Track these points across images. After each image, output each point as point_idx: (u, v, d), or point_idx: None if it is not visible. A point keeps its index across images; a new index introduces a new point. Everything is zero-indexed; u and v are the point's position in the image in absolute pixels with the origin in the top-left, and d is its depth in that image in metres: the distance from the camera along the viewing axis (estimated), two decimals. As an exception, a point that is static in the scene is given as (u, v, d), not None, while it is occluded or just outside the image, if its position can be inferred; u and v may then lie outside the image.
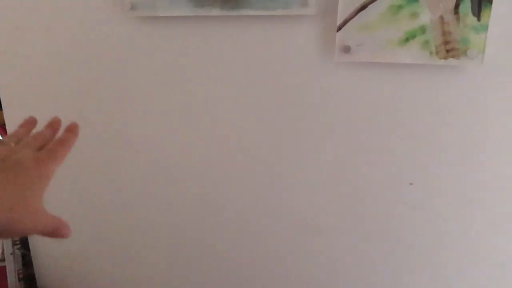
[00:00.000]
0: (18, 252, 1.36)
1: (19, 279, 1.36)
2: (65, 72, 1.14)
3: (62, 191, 1.24)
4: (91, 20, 1.06)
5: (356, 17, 0.88)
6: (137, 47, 1.06)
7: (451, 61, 0.85)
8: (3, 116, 1.29)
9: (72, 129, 0.49)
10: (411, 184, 0.96)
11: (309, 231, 1.08)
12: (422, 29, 0.85)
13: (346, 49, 0.90)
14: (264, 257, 1.16)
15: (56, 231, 0.42)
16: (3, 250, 1.34)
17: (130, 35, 1.05)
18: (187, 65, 1.03)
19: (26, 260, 1.40)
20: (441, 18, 0.84)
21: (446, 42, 0.84)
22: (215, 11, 0.94)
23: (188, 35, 1.01)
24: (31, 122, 0.52)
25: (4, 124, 1.31)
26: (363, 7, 0.87)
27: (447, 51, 0.85)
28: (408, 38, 0.87)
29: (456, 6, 0.83)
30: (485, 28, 0.81)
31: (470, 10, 0.82)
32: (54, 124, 0.51)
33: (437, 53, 0.86)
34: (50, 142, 0.47)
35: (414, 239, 1.01)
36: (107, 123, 1.15)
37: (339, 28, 0.89)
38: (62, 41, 1.11)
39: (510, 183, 0.90)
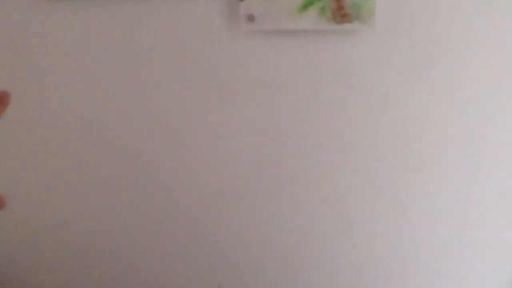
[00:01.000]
0: None
1: None
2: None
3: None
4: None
5: (257, -14, 0.91)
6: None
7: (346, 26, 0.91)
8: None
9: (2, 99, 0.43)
10: (320, 144, 1.03)
11: (227, 198, 1.13)
12: (318, -4, 0.90)
13: (251, 18, 0.94)
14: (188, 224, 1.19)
15: None
16: None
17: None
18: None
19: None
20: (334, -16, 0.89)
21: (340, 8, 0.90)
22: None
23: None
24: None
25: None
26: (263, -24, 0.90)
27: (342, 16, 0.91)
28: (307, 5, 0.91)
29: (347, -27, 0.88)
30: (373, -7, 0.88)
31: (359, -24, 0.88)
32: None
33: (333, 18, 0.91)
34: None
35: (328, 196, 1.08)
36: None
37: (243, -2, 0.92)
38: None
39: (404, 134, 1.00)
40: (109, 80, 1.05)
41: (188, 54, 1.00)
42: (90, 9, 1.00)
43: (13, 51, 1.07)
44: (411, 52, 0.93)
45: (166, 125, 1.08)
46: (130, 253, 1.25)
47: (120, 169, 1.15)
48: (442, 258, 1.10)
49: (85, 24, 1.01)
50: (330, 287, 1.19)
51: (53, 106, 1.10)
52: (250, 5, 0.92)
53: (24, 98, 1.10)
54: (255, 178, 1.10)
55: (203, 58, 1.00)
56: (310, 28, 0.92)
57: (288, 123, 1.02)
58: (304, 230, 1.13)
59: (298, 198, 1.10)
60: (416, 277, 1.13)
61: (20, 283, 1.36)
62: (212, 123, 1.06)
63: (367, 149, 1.02)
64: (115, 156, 1.14)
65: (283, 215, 1.13)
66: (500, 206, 1.03)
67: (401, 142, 1.00)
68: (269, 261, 1.19)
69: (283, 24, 0.93)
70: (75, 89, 1.08)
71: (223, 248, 1.20)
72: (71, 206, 1.22)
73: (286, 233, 1.15)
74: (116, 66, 1.04)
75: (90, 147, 1.13)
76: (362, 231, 1.10)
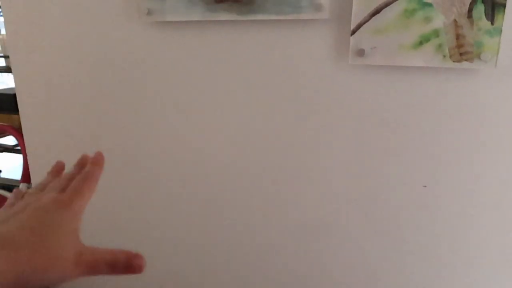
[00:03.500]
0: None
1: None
2: (81, 76, 1.16)
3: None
4: (107, 24, 1.09)
5: (370, 21, 0.89)
6: (153, 52, 1.08)
7: (465, 64, 0.86)
8: (19, 120, 1.32)
9: (97, 162, 0.46)
10: (425, 186, 0.97)
11: (319, 231, 1.09)
12: (436, 33, 0.86)
13: (360, 53, 0.91)
14: (267, 256, 1.17)
15: (116, 265, 0.37)
16: None
17: (146, 40, 1.07)
18: (201, 69, 1.05)
19: None
20: (455, 21, 0.85)
21: (459, 46, 0.86)
22: (231, 16, 0.96)
23: (203, 39, 1.03)
24: (59, 167, 0.49)
25: (20, 127, 1.34)
26: (377, 11, 0.88)
27: (461, 54, 0.86)
28: (422, 41, 0.88)
29: (470, 10, 0.84)
30: (499, 31, 0.82)
31: (483, 14, 0.83)
32: (82, 162, 0.47)
33: (450, 56, 0.87)
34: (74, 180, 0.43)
35: (423, 241, 1.01)
36: (123, 125, 1.17)
37: (353, 32, 0.90)
38: (79, 46, 1.14)
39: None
40: (216, 105, 1.08)
41: (292, 85, 1.00)
42: (204, 34, 1.03)
43: (121, 74, 1.13)
44: (536, 95, 0.86)
45: (259, 153, 1.07)
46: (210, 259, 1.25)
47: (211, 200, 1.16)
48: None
49: (194, 48, 1.05)
50: None
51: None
52: (361, 39, 0.90)
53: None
54: (349, 214, 1.06)
55: (307, 89, 0.99)
56: (424, 65, 0.88)
57: (391, 162, 0.97)
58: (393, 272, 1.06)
59: (394, 243, 1.03)
60: None
61: None
62: (311, 153, 1.03)
63: (474, 196, 0.94)
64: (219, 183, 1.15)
65: (373, 257, 1.06)
66: None
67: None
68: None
69: (395, 60, 0.90)
70: (182, 114, 1.11)
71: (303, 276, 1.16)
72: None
73: (380, 278, 1.08)
74: (223, 91, 1.06)
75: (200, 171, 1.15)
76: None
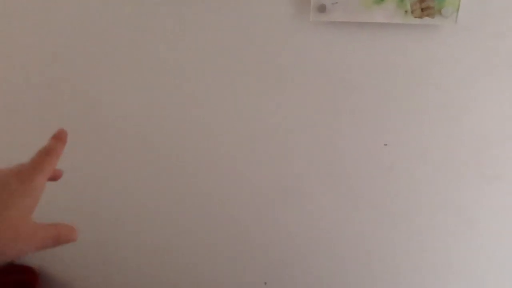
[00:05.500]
0: None
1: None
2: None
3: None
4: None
5: (332, -26, 0.85)
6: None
7: (426, 19, 0.85)
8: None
9: (59, 137, 0.45)
10: (386, 145, 0.97)
11: (286, 193, 1.09)
12: (398, -13, 0.84)
13: (322, 8, 0.88)
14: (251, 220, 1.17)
15: (59, 239, 0.40)
16: None
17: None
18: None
19: None
20: (417, -25, 0.82)
21: (421, 1, 0.84)
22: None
23: None
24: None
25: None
26: (338, -36, 0.85)
27: (422, 9, 0.84)
28: (384, -4, 0.85)
29: (432, -37, 0.82)
30: (460, -15, 0.81)
31: (445, -33, 0.81)
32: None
33: (412, 11, 0.85)
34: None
35: (383, 199, 1.03)
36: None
37: (314, -13, 0.87)
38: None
39: (484, 139, 0.93)
40: (168, 69, 1.03)
41: (252, 43, 0.96)
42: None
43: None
44: (494, 51, 0.86)
45: (220, 114, 1.04)
46: (175, 253, 1.24)
47: (164, 164, 1.13)
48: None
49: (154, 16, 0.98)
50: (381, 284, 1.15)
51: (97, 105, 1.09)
52: (322, -5, 0.87)
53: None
54: (309, 176, 1.06)
55: (268, 47, 0.95)
56: (386, 21, 0.86)
57: (352, 120, 0.97)
58: (353, 229, 1.09)
59: (353, 198, 1.05)
60: None
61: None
62: (271, 114, 1.01)
63: (438, 154, 0.96)
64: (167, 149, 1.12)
65: (333, 213, 1.08)
66: None
67: (479, 147, 0.93)
68: (315, 259, 1.16)
69: (357, 16, 0.87)
70: (134, 81, 1.06)
71: (268, 245, 1.18)
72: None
73: (334, 231, 1.11)
74: (177, 54, 1.01)
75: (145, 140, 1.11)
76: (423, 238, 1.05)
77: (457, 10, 0.83)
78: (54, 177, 0.46)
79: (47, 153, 0.43)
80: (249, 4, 0.92)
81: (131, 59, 1.03)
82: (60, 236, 0.40)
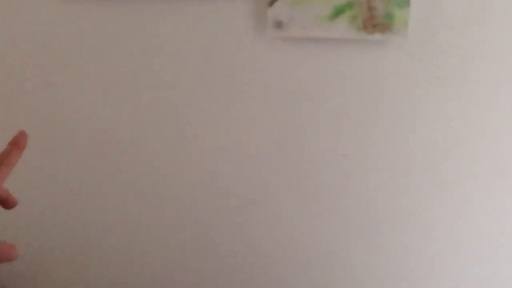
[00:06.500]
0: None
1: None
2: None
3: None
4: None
5: (287, -8, 0.88)
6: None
7: (377, 35, 0.88)
8: None
9: (17, 142, 0.43)
10: (345, 155, 1.00)
11: (245, 202, 1.11)
12: (350, 5, 0.87)
13: (279, 24, 0.91)
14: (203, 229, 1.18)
15: (2, 259, 0.37)
16: None
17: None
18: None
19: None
20: (367, -7, 0.86)
21: (372, 17, 0.87)
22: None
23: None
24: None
25: None
26: (293, -18, 0.88)
27: (374, 26, 0.88)
28: (337, 13, 0.88)
29: (381, -18, 0.85)
30: (407, 3, 0.85)
31: (393, -15, 0.85)
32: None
33: (364, 27, 0.88)
34: None
35: (344, 208, 1.06)
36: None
37: (271, 3, 0.89)
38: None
39: (438, 152, 0.97)
40: (124, 82, 1.04)
41: (210, 58, 0.98)
42: (109, 11, 0.98)
43: (35, 51, 1.05)
44: (443, 65, 0.90)
45: (178, 128, 1.06)
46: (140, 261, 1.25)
47: (132, 174, 1.13)
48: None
49: (101, 25, 0.99)
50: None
51: (62, 107, 1.09)
52: (279, 11, 0.90)
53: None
54: (271, 187, 1.08)
55: (225, 62, 0.97)
56: (340, 36, 0.89)
57: (311, 133, 1.00)
58: (315, 238, 1.11)
59: (314, 207, 1.08)
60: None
61: (24, 283, 1.36)
62: (230, 128, 1.03)
63: (393, 163, 0.99)
64: (125, 160, 1.12)
65: (295, 223, 1.11)
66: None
67: (431, 156, 0.97)
68: (277, 266, 1.18)
69: (312, 31, 0.90)
70: (90, 91, 1.06)
71: (236, 255, 1.19)
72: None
73: (296, 240, 1.13)
74: (134, 67, 1.02)
75: (99, 149, 1.12)
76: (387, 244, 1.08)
77: (407, 26, 0.87)
78: (6, 204, 0.43)
79: (2, 161, 0.41)
80: (206, 19, 0.94)
81: (95, 72, 1.04)
82: (1, 254, 0.38)
